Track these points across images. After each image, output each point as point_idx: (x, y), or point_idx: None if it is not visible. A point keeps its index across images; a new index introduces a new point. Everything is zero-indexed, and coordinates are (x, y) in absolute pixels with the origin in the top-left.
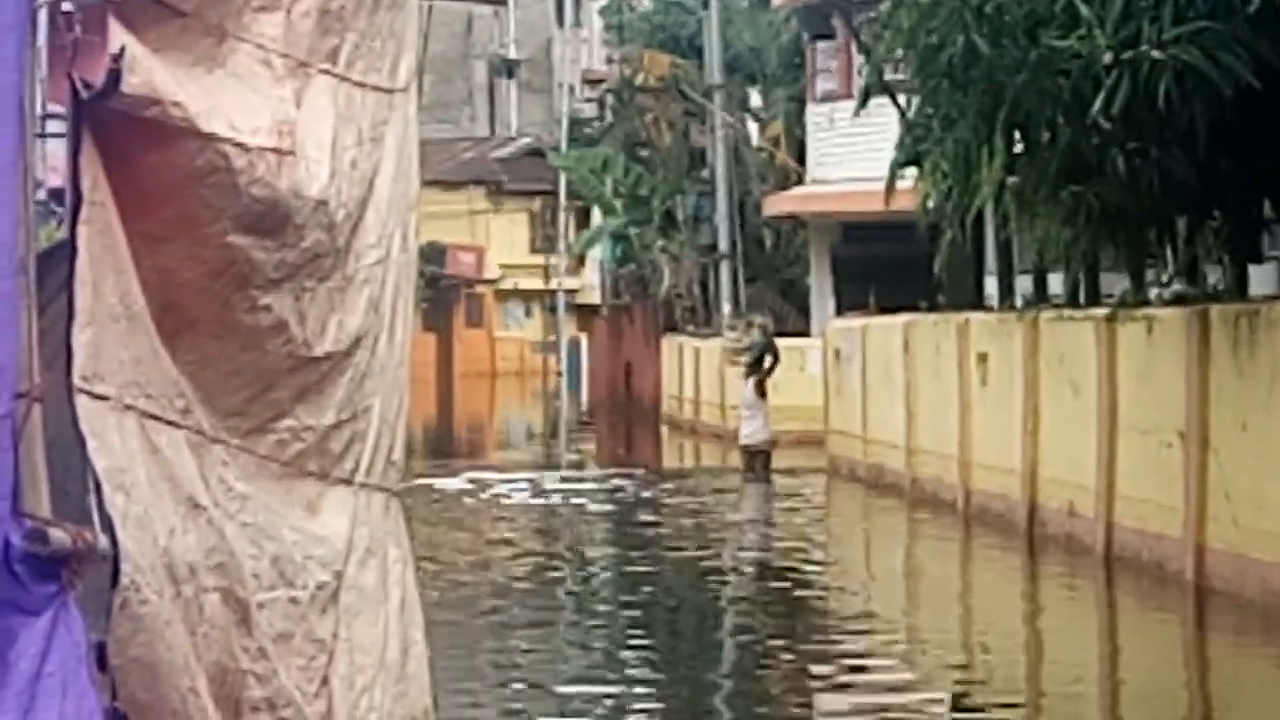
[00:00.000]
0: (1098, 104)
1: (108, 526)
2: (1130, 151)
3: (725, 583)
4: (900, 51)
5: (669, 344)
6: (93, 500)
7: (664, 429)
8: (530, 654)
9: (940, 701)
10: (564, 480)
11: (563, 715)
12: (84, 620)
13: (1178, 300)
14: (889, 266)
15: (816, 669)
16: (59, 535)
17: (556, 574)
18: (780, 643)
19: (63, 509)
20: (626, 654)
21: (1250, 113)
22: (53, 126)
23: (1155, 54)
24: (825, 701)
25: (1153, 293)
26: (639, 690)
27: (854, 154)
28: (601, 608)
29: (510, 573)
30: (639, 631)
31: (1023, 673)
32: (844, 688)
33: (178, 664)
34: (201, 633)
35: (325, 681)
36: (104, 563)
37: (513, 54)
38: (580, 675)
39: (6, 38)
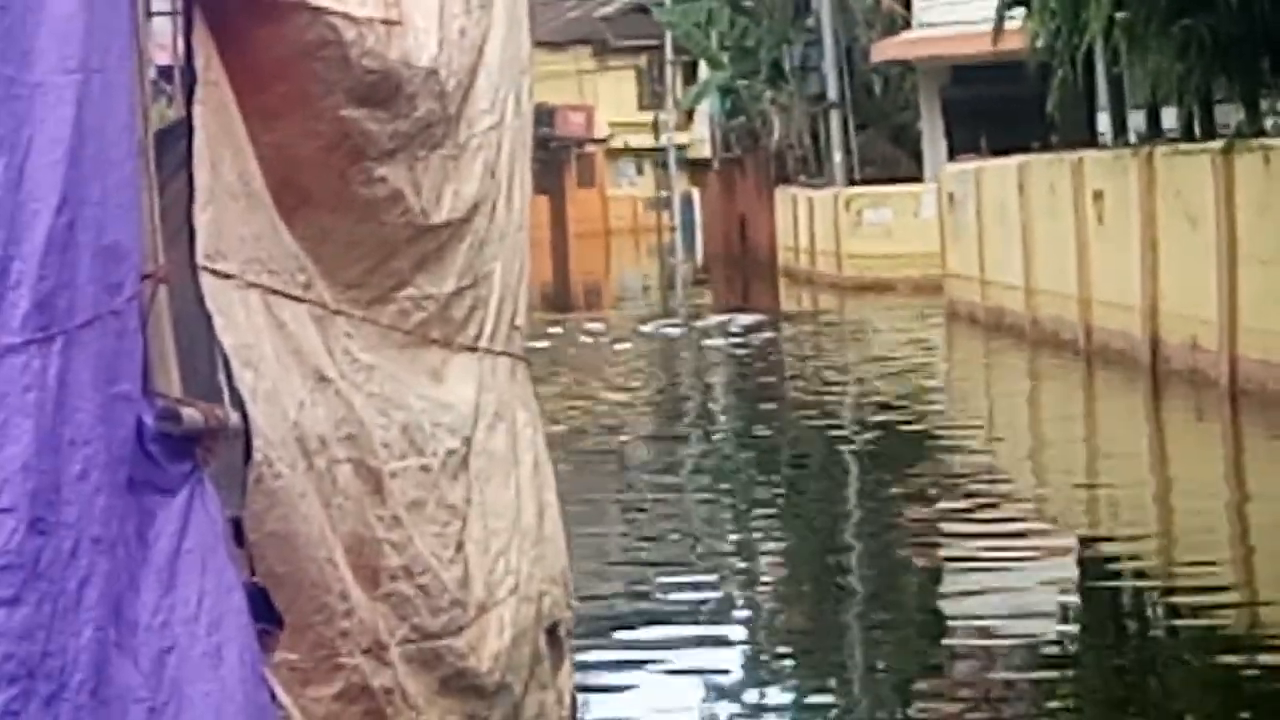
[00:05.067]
0: None
1: (238, 403)
2: None
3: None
4: None
5: (782, 195)
6: (222, 377)
7: (781, 280)
8: None
9: (1069, 537)
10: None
11: None
12: (220, 497)
13: None
14: (1000, 108)
15: (944, 505)
16: (191, 413)
17: None
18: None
19: (193, 387)
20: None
21: None
22: (157, 4)
23: None
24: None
25: (1269, 123)
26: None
27: None
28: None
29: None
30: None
31: (1152, 505)
32: (970, 523)
33: (314, 536)
34: (336, 504)
35: (460, 547)
36: (236, 439)
37: None
38: None
39: None
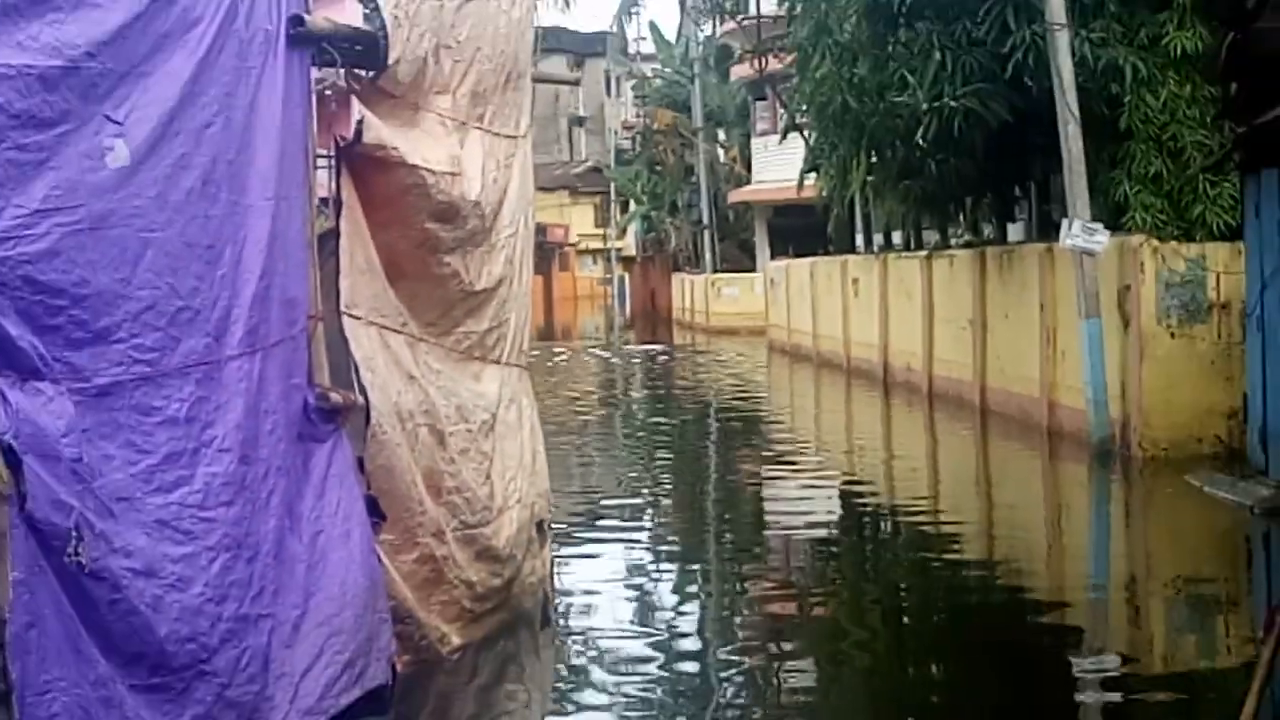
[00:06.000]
0: (919, 133)
1: (363, 391)
2: (939, 160)
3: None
4: (804, 105)
5: (676, 279)
6: (354, 376)
7: (675, 327)
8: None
9: (832, 475)
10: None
11: None
12: (351, 444)
13: (967, 245)
14: (801, 230)
15: (760, 440)
16: (335, 396)
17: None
18: (728, 436)
19: (337, 381)
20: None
21: (1007, 136)
22: (319, 161)
23: (953, 103)
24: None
25: (953, 242)
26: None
27: (780, 165)
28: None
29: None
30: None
31: (881, 458)
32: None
33: (404, 468)
34: (417, 450)
35: (489, 476)
36: (360, 411)
37: (582, 112)
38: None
39: (298, 111)
